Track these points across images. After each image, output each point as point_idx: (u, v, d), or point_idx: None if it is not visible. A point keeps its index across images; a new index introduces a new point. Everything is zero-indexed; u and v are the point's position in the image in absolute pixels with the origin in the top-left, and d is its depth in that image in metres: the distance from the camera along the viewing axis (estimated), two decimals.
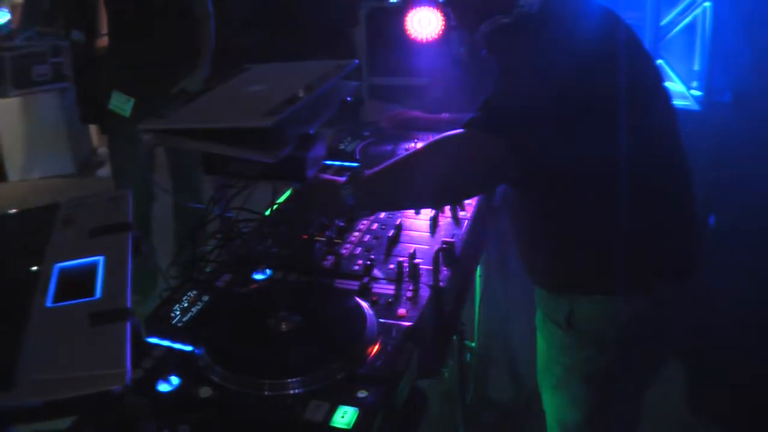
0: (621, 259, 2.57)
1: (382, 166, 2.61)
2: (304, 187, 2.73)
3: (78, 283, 1.91)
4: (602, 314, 2.68)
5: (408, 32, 5.39)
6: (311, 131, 2.63)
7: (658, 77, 2.70)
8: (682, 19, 6.49)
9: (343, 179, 2.65)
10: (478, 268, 3.90)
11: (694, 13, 6.49)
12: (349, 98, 2.92)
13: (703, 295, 2.84)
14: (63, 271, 1.98)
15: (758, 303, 4.56)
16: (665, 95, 2.71)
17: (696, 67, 6.48)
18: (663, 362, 2.93)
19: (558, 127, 2.40)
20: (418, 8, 5.38)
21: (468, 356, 4.33)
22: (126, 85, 5.45)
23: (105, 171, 8.31)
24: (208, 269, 2.74)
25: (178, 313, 2.39)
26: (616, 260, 2.57)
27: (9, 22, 9.12)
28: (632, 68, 2.50)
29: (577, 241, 2.64)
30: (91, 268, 1.96)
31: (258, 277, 2.60)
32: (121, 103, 5.41)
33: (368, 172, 2.63)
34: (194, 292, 2.49)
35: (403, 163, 2.58)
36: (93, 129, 9.54)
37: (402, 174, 2.59)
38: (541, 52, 2.50)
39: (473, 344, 4.42)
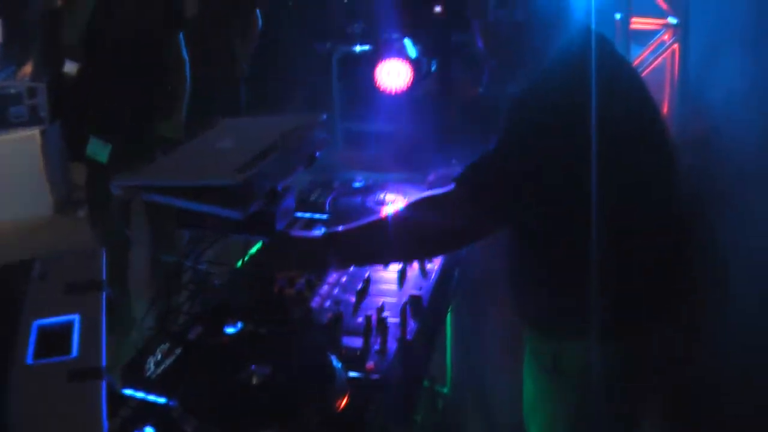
0: (609, 302, 2.59)
1: (361, 222, 2.69)
2: (275, 243, 2.79)
3: (55, 339, 1.98)
4: (589, 359, 2.67)
5: (377, 83, 5.43)
6: (279, 187, 2.69)
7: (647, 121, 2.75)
8: (653, 59, 6.61)
9: (315, 235, 2.72)
10: (449, 315, 3.94)
11: (663, 56, 6.61)
12: (318, 153, 2.98)
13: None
14: (41, 328, 2.04)
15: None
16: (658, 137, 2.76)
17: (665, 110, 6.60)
18: (652, 403, 2.95)
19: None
20: (387, 59, 5.42)
21: (440, 403, 4.37)
22: (103, 131, 5.49)
23: (83, 212, 8.29)
24: (180, 321, 2.78)
25: (152, 365, 2.44)
26: (603, 303, 2.58)
27: None
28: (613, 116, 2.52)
29: (565, 282, 2.67)
30: (68, 326, 2.02)
31: (229, 330, 2.64)
32: (99, 149, 5.45)
33: (344, 228, 2.70)
34: (167, 344, 2.54)
35: (387, 223, 2.68)
36: (72, 170, 9.52)
37: (386, 232, 2.67)
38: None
39: (445, 390, 4.46)
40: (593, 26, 2.68)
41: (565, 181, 2.49)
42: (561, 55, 2.62)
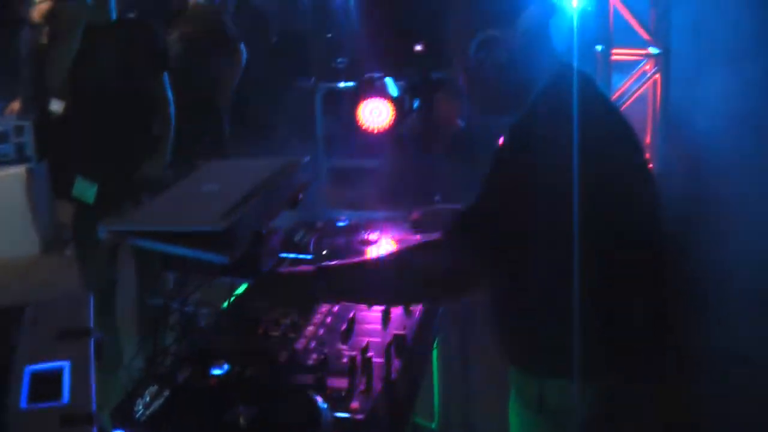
0: (596, 335, 2.59)
1: (353, 260, 2.73)
2: (264, 282, 2.83)
3: (47, 384, 2.03)
4: (572, 397, 2.65)
5: (360, 123, 5.45)
6: (264, 231, 2.72)
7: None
8: (635, 89, 6.65)
9: (305, 268, 2.76)
10: (435, 351, 3.97)
11: (645, 86, 6.66)
12: (301, 195, 3.01)
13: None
14: (33, 374, 2.09)
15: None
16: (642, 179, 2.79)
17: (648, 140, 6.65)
18: None
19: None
20: (369, 98, 5.43)
21: None
22: (88, 170, 5.51)
23: (70, 250, 8.29)
24: (167, 363, 2.82)
25: (141, 407, 2.49)
26: (590, 337, 2.57)
27: None
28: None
29: (548, 319, 2.64)
30: (58, 372, 2.07)
31: (216, 372, 2.67)
32: (84, 189, 5.47)
33: (335, 262, 2.75)
34: (155, 387, 2.58)
35: (379, 263, 2.74)
36: (58, 208, 9.50)
37: (377, 273, 2.71)
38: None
39: (433, 425, 4.48)
40: (575, 63, 2.72)
41: (551, 219, 2.52)
42: (545, 95, 2.64)
